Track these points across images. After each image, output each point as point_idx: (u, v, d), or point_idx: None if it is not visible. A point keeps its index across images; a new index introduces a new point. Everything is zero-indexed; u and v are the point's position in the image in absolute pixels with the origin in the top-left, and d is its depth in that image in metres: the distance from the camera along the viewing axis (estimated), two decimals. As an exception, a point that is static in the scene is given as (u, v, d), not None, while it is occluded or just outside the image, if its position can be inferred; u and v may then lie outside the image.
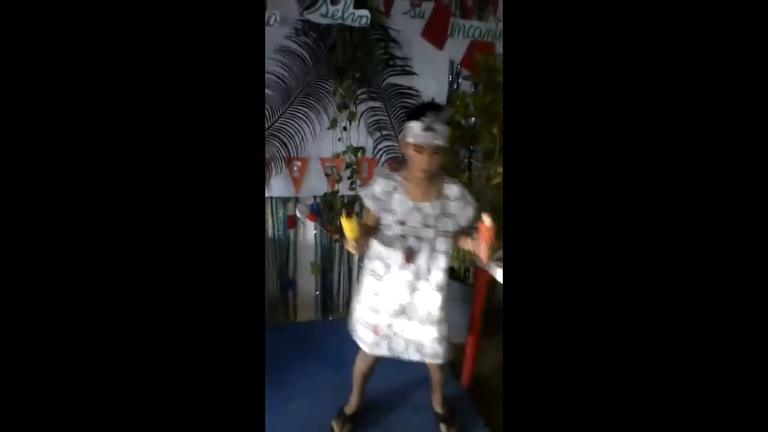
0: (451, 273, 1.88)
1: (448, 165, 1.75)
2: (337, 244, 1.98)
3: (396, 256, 1.12)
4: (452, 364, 1.65)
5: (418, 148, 1.05)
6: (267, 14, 1.62)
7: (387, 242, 1.13)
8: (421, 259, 1.12)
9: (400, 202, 1.11)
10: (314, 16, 1.66)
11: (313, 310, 2.03)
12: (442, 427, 1.35)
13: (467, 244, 1.14)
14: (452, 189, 1.14)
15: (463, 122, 1.78)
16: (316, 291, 2.01)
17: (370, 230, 1.13)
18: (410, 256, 1.11)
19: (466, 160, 1.93)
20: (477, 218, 1.10)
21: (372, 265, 1.17)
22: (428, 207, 1.11)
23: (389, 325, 1.18)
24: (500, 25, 1.87)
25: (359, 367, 1.31)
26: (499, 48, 1.85)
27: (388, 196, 1.11)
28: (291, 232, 1.91)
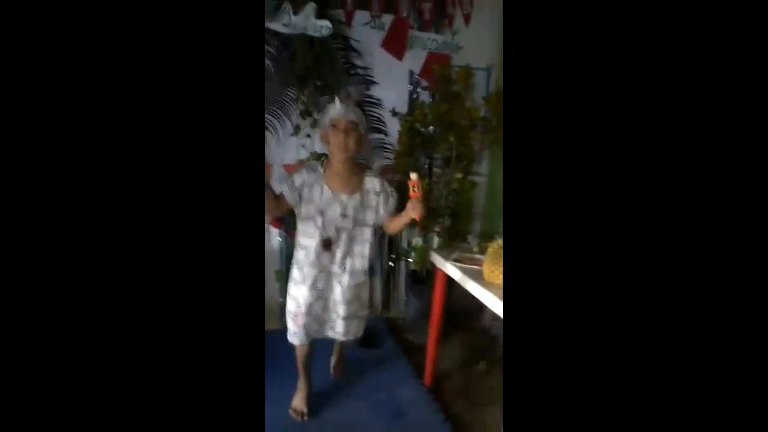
0: (413, 275, 1.96)
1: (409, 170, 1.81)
2: (302, 249, 1.99)
3: (315, 245, 1.20)
4: (415, 364, 1.71)
5: (335, 123, 1.14)
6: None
7: (306, 232, 1.21)
8: (339, 247, 1.22)
9: (320, 194, 1.18)
10: (276, 26, 1.68)
11: (278, 319, 2.02)
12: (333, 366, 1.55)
13: (398, 221, 1.22)
14: (374, 183, 1.23)
15: (423, 130, 1.86)
16: (280, 298, 2.00)
17: (279, 207, 1.21)
18: (327, 244, 1.21)
19: (426, 166, 2.01)
20: (401, 208, 1.21)
21: (296, 254, 1.26)
22: (347, 198, 1.19)
23: (306, 313, 1.25)
24: (456, 38, 1.97)
25: (298, 355, 1.38)
26: (455, 60, 1.95)
27: (309, 188, 1.19)
28: (254, 239, 1.90)
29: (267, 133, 1.80)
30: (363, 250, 1.26)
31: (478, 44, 1.97)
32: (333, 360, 1.57)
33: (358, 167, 1.24)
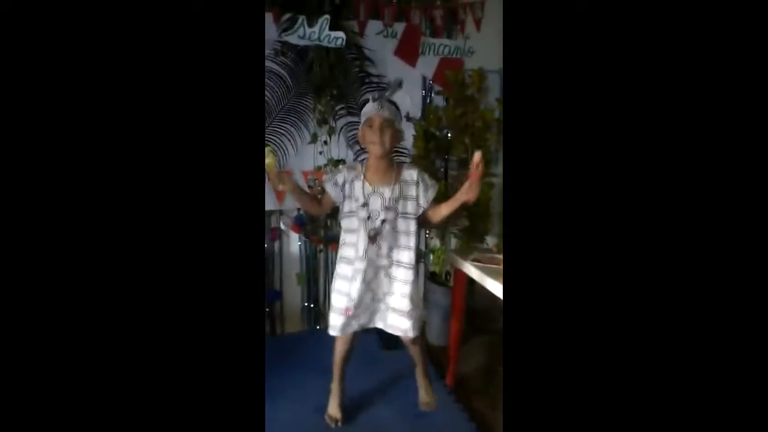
0: (432, 277, 1.97)
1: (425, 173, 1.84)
2: (322, 254, 2.03)
3: (362, 239, 1.23)
4: (437, 365, 1.71)
5: (369, 122, 1.19)
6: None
7: (351, 228, 1.25)
8: (384, 238, 1.23)
9: (361, 188, 1.23)
10: (292, 38, 1.74)
11: (300, 321, 2.06)
12: (421, 394, 1.47)
13: (445, 207, 1.23)
14: (410, 174, 1.26)
15: (438, 134, 1.89)
16: (304, 302, 2.05)
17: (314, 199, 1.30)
18: (374, 237, 1.23)
19: (441, 169, 2.03)
20: (438, 197, 1.27)
21: (342, 252, 1.29)
22: (387, 190, 1.22)
23: (357, 305, 1.27)
24: (468, 43, 2.00)
25: (338, 351, 1.39)
26: (468, 64, 1.97)
27: (350, 184, 1.24)
28: (275, 244, 1.95)
29: (285, 142, 1.86)
30: (408, 242, 1.26)
31: (490, 47, 2.00)
32: (421, 394, 1.48)
33: (396, 161, 1.27)
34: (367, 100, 1.23)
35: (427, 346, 1.86)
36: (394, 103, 1.23)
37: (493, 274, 1.25)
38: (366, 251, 1.23)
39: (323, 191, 1.27)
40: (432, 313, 1.92)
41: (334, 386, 1.43)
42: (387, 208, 1.22)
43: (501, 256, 1.29)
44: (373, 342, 1.81)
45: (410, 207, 1.25)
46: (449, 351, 1.61)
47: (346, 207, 1.25)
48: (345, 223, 1.27)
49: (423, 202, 1.26)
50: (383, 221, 1.22)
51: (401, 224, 1.25)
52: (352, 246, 1.26)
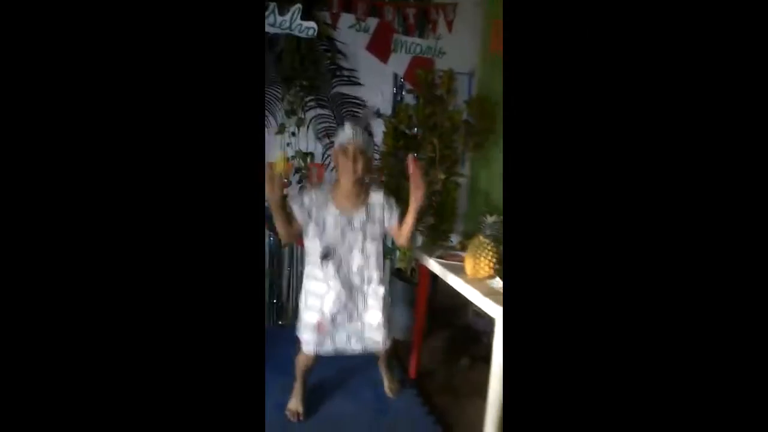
0: (398, 273, 1.99)
1: (394, 171, 1.85)
2: (286, 249, 1.99)
3: (333, 261, 1.27)
4: (399, 359, 1.74)
5: (344, 149, 1.23)
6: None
7: (317, 250, 1.28)
8: (354, 261, 1.30)
9: (328, 212, 1.27)
10: (262, 25, 1.69)
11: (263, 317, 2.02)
12: (385, 383, 1.54)
13: (406, 223, 1.27)
14: (377, 197, 1.32)
15: (408, 132, 1.90)
16: (265, 298, 2.00)
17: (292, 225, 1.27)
18: (327, 255, 1.27)
19: (410, 167, 2.06)
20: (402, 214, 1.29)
21: (309, 270, 1.33)
22: (355, 214, 1.28)
23: (331, 322, 1.31)
24: (439, 43, 2.03)
25: (301, 364, 1.40)
26: (438, 65, 2.00)
27: (318, 207, 1.27)
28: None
29: (252, 132, 1.81)
30: (378, 262, 1.34)
31: (460, 50, 2.04)
32: (386, 383, 1.55)
33: (364, 186, 1.32)
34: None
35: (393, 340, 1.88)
36: (369, 131, 1.27)
37: (455, 270, 1.28)
38: (338, 272, 1.28)
39: (289, 184, 1.27)
40: (397, 309, 1.95)
41: (297, 386, 1.43)
42: (352, 229, 1.28)
43: (464, 254, 1.33)
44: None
45: (377, 229, 1.32)
46: (412, 345, 1.64)
47: (311, 230, 1.27)
48: (311, 244, 1.29)
49: (387, 224, 1.33)
50: (350, 244, 1.28)
51: (369, 246, 1.31)
52: (316, 265, 1.29)
